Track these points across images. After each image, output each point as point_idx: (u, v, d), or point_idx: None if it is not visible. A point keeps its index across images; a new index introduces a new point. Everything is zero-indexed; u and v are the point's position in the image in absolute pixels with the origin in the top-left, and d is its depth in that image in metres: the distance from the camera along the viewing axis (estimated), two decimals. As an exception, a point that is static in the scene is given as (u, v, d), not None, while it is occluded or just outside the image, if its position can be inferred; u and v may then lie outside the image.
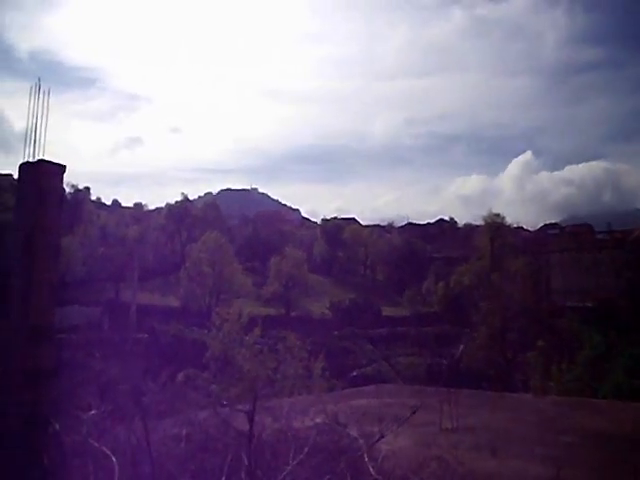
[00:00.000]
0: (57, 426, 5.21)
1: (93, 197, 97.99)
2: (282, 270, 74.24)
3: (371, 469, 5.33)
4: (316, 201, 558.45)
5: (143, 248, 76.28)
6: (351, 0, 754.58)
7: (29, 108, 5.66)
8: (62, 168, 5.67)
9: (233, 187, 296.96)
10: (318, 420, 6.85)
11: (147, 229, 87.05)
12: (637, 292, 60.51)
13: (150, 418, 4.98)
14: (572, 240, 77.33)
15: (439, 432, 10.84)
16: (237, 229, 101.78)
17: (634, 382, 28.91)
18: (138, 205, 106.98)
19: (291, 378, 21.24)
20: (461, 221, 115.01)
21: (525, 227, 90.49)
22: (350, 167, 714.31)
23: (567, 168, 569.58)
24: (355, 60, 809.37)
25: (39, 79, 5.76)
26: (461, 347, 19.41)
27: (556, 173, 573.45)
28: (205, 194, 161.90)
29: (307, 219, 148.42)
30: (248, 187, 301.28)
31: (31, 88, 5.72)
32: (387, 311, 74.69)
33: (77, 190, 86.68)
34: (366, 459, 5.43)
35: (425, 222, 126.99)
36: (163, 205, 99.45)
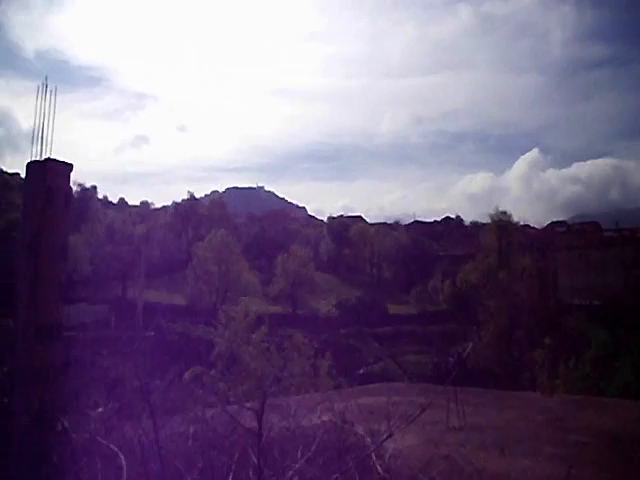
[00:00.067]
0: (65, 424, 5.22)
1: (100, 196, 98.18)
2: (288, 268, 74.34)
3: (379, 467, 5.31)
4: (322, 199, 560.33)
5: (150, 246, 76.52)
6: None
7: (36, 107, 5.66)
8: (69, 167, 5.66)
9: (239, 185, 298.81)
10: (325, 418, 6.84)
11: (154, 227, 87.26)
12: (645, 290, 60.24)
13: (157, 416, 4.98)
14: (579, 238, 77.06)
15: (446, 430, 10.80)
16: (243, 227, 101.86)
17: (642, 380, 28.81)
18: (145, 203, 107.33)
19: (298, 376, 21.27)
20: (468, 219, 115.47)
21: (532, 225, 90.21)
22: (356, 165, 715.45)
23: (574, 166, 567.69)
24: (362, 58, 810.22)
25: (46, 78, 5.75)
26: (470, 345, 19.33)
27: (563, 171, 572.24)
28: (211, 192, 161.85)
29: (313, 217, 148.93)
30: (254, 185, 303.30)
31: (38, 87, 5.71)
32: (393, 309, 74.75)
33: (84, 189, 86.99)
34: (374, 457, 5.41)
35: (432, 220, 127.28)
36: (170, 203, 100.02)
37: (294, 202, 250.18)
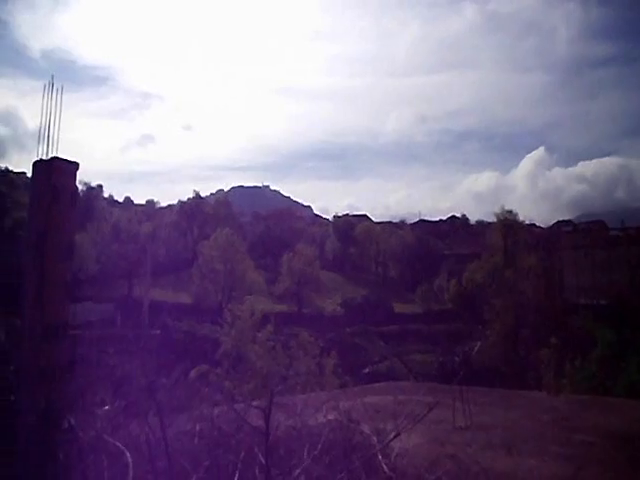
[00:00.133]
0: (72, 422, 5.23)
1: (105, 194, 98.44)
2: (294, 267, 74.33)
3: (385, 466, 5.31)
4: (328, 198, 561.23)
5: (155, 245, 76.62)
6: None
7: (42, 106, 5.67)
8: (75, 166, 5.67)
9: (245, 184, 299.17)
10: (331, 417, 6.84)
11: (159, 226, 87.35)
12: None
13: (164, 414, 4.99)
14: (585, 237, 76.64)
15: (452, 430, 10.79)
16: (249, 226, 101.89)
17: (648, 380, 28.69)
18: (150, 202, 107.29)
19: (303, 374, 21.30)
20: (473, 218, 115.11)
21: (538, 224, 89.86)
22: (362, 164, 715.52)
23: (580, 164, 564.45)
24: (367, 57, 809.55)
25: (52, 77, 5.75)
26: (478, 344, 19.27)
27: (569, 169, 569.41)
28: (217, 191, 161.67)
29: (319, 216, 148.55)
30: (260, 184, 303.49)
31: (44, 86, 5.72)
32: (399, 308, 74.65)
33: (90, 187, 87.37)
34: (380, 456, 5.41)
35: (437, 219, 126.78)
36: (175, 202, 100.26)
37: (299, 201, 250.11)
